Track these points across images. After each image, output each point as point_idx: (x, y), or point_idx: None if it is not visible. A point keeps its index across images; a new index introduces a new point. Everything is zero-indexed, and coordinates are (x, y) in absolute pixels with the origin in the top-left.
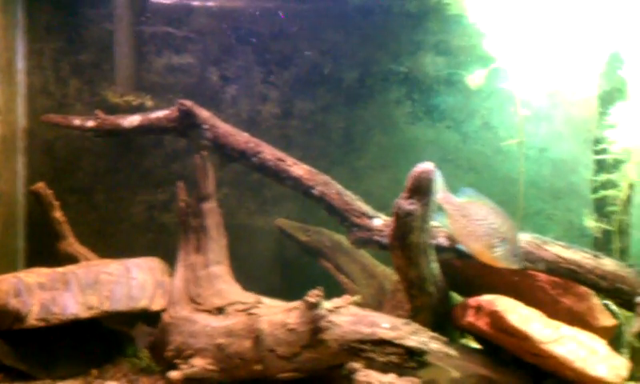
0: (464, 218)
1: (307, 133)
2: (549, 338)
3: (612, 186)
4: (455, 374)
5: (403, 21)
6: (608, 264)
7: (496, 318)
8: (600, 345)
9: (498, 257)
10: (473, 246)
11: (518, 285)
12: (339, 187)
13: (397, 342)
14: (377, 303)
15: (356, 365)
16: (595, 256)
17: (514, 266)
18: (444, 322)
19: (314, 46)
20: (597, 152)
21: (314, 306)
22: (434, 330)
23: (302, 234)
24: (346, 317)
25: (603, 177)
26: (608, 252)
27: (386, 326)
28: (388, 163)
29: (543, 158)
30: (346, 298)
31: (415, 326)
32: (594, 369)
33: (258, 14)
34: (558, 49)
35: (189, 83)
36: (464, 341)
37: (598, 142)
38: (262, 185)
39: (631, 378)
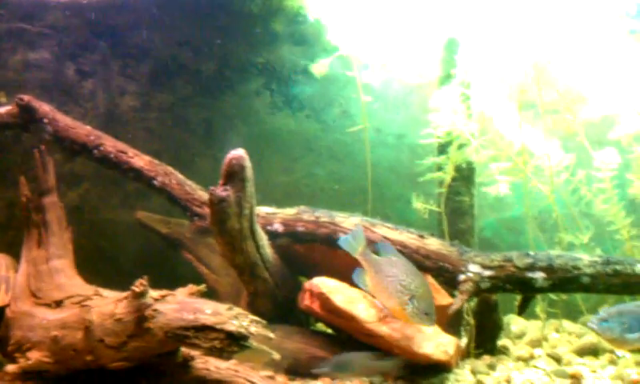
0: (378, 275)
1: (167, 125)
2: (374, 318)
3: (439, 169)
4: (276, 356)
5: (257, 11)
6: (432, 244)
7: (323, 300)
8: None
9: (408, 314)
10: (386, 302)
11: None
12: (180, 177)
13: (218, 327)
14: (235, 292)
15: (194, 352)
16: (420, 236)
17: (426, 325)
18: (291, 306)
19: (170, 38)
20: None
21: (140, 296)
22: (277, 315)
23: (162, 227)
24: (172, 305)
25: (429, 160)
26: (455, 233)
27: (209, 312)
28: (250, 154)
29: (402, 144)
30: (191, 288)
31: (237, 310)
32: (420, 347)
33: (112, 7)
34: (403, 35)
35: (45, 79)
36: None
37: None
38: (124, 179)
39: (469, 353)
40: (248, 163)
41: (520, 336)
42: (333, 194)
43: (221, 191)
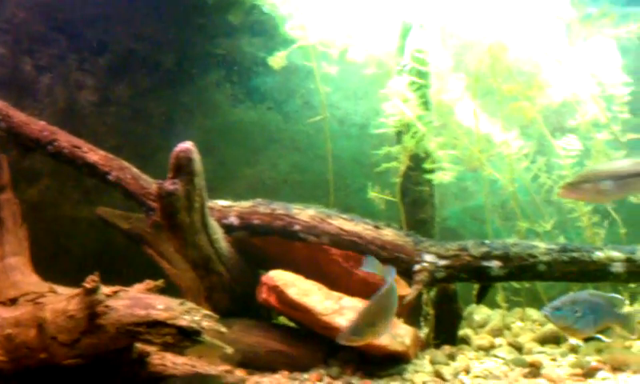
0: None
1: (127, 119)
2: (329, 310)
3: (393, 159)
4: (229, 350)
5: (212, 3)
6: (387, 234)
7: (279, 293)
8: None
9: None
10: None
11: (317, 260)
12: (135, 171)
13: (169, 322)
14: (197, 287)
15: (150, 348)
16: (376, 227)
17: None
18: (251, 300)
19: (128, 31)
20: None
21: (91, 292)
22: (236, 309)
23: (123, 222)
24: (123, 300)
25: (384, 149)
26: (416, 223)
27: (160, 307)
28: (212, 147)
29: (364, 134)
30: (148, 283)
31: (189, 305)
32: None
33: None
34: (361, 25)
35: (1, 74)
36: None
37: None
38: None
39: (429, 344)
40: (196, 156)
41: (482, 325)
42: (296, 185)
43: (169, 185)
